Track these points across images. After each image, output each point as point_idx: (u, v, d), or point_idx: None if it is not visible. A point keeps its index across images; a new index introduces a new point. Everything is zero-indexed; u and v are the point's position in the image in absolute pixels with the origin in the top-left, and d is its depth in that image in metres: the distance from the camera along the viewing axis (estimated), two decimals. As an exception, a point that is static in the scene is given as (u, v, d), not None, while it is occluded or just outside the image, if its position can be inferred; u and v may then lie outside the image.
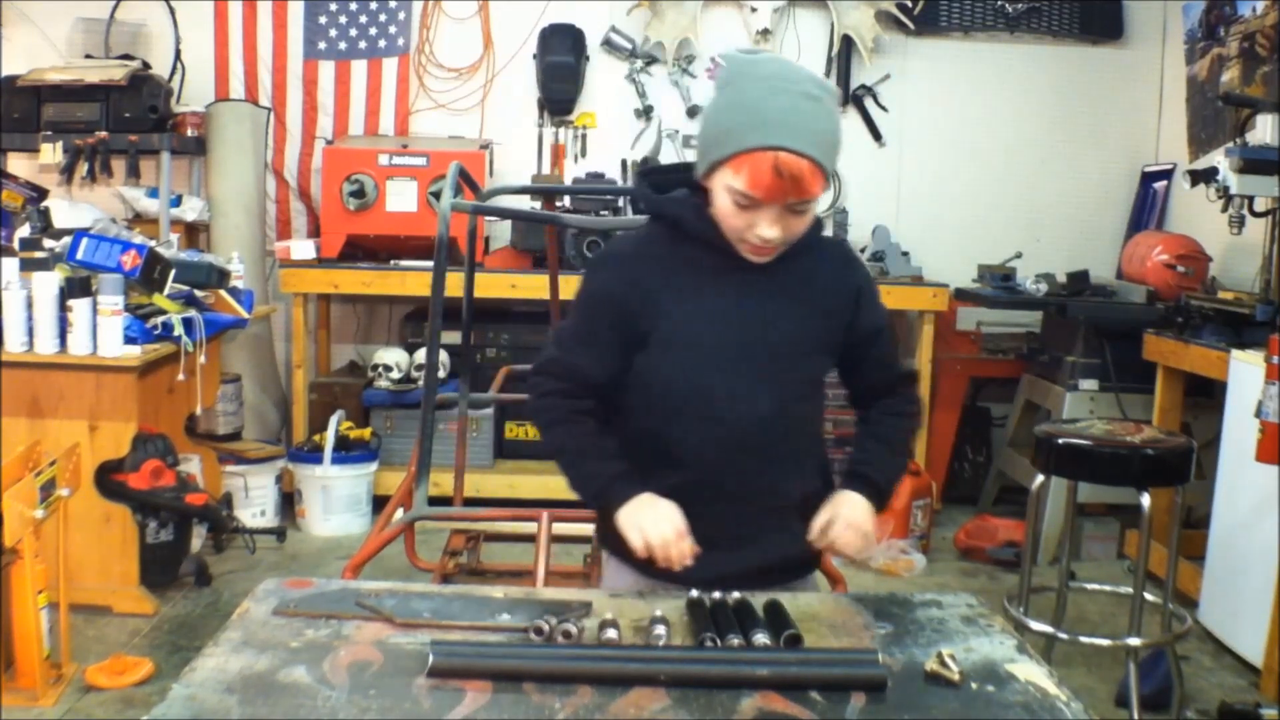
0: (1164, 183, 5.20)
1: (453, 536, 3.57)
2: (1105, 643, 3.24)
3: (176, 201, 4.95)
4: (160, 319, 3.69)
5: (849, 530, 1.65)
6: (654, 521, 1.59)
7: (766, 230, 1.58)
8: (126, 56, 4.97)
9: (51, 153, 4.67)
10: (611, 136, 5.34)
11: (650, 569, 1.63)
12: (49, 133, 4.70)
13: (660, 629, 1.34)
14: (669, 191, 1.71)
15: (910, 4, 5.21)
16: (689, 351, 1.65)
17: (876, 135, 5.37)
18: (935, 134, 5.39)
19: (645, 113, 5.35)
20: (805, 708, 1.17)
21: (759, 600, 1.44)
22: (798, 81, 1.56)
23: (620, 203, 4.91)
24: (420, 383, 4.52)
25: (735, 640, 1.30)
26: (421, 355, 4.83)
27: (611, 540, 1.71)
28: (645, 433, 1.69)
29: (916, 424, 1.84)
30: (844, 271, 1.75)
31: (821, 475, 1.77)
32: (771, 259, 1.64)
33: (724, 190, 1.59)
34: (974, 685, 1.24)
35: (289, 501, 4.70)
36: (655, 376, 1.67)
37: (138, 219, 4.91)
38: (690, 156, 5.16)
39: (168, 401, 3.89)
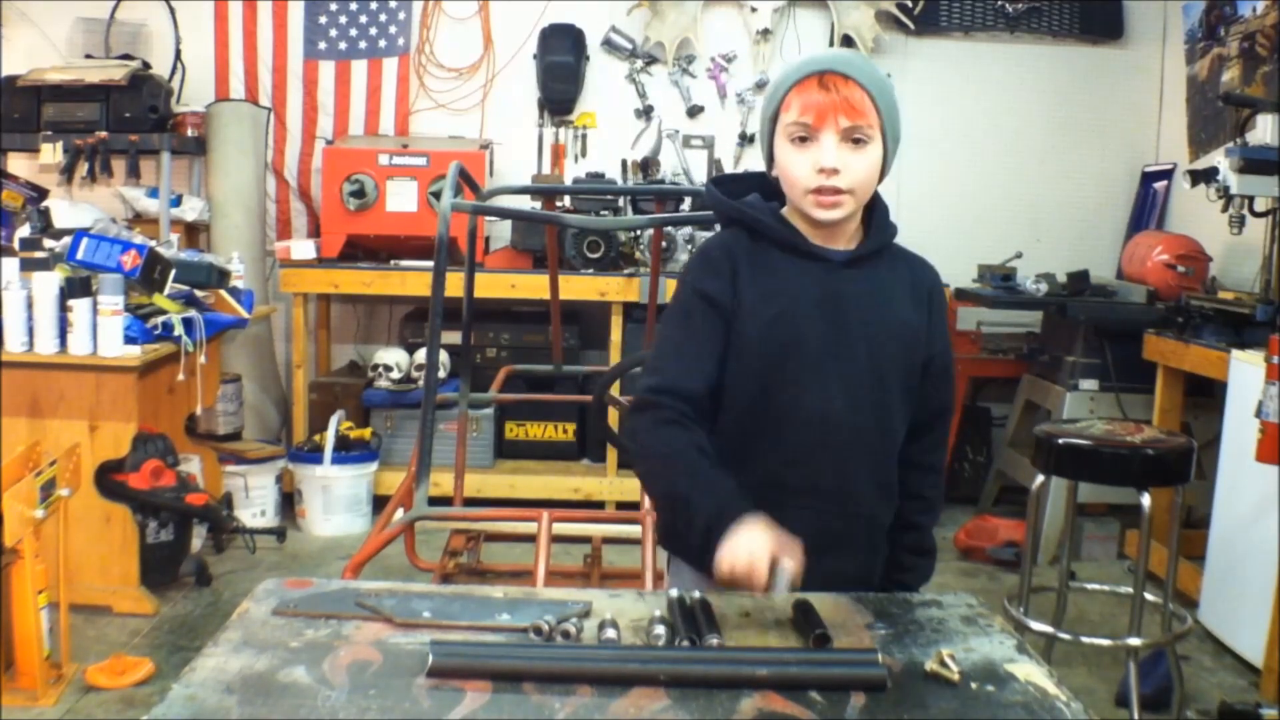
0: (1164, 183, 5.20)
1: (453, 536, 3.56)
2: (1105, 643, 3.24)
3: (176, 201, 4.95)
4: (160, 319, 3.69)
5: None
6: (731, 551, 1.45)
7: (826, 159, 1.56)
8: (126, 56, 4.97)
9: (51, 153, 4.67)
10: (611, 136, 5.34)
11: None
12: (49, 133, 4.70)
13: (660, 629, 1.34)
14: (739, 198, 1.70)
15: (910, 4, 5.21)
16: (772, 351, 1.61)
17: (876, 135, 5.37)
18: (935, 134, 5.39)
19: (645, 113, 5.35)
20: (805, 708, 1.17)
21: (789, 600, 1.43)
22: (848, 49, 1.67)
23: (620, 203, 4.91)
24: (420, 383, 4.52)
25: (684, 642, 1.30)
26: (421, 355, 4.83)
27: (673, 540, 1.69)
28: (724, 435, 1.63)
29: (938, 517, 1.77)
30: (920, 272, 1.72)
31: (890, 499, 1.70)
32: (840, 215, 1.60)
33: (783, 139, 1.60)
34: (974, 685, 1.24)
35: (289, 501, 4.70)
36: (734, 378, 1.63)
37: (138, 219, 4.92)
38: (691, 157, 5.23)
39: (168, 401, 3.89)
